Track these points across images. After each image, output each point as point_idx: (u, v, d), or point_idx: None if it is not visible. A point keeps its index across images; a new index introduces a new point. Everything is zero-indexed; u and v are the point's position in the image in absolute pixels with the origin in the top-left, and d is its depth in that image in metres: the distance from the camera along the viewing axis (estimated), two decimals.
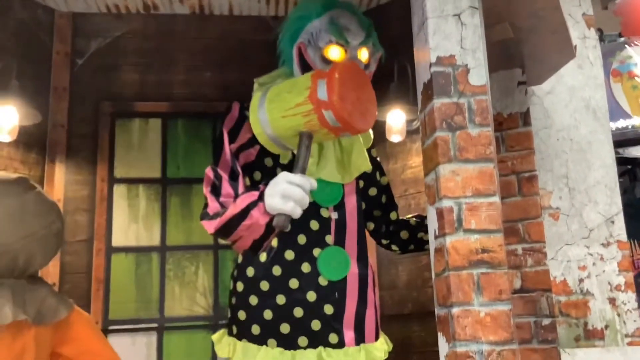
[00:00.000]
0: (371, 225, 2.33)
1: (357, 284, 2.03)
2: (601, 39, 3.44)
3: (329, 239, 2.02)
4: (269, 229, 1.77)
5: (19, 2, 2.95)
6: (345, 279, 2.01)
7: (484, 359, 1.58)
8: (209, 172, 1.97)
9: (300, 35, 2.08)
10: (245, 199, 1.80)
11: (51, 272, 2.82)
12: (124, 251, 3.00)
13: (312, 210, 2.00)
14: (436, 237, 1.73)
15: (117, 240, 3.00)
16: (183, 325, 2.97)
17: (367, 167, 2.12)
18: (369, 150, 2.24)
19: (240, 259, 2.08)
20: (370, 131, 2.23)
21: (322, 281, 1.98)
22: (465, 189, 1.68)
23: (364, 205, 2.25)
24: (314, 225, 2.02)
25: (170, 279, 3.01)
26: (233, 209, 1.81)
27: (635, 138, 3.39)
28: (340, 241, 2.04)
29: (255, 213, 1.75)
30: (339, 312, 1.98)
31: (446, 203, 1.68)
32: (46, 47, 3.07)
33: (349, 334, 1.98)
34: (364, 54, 2.05)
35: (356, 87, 1.74)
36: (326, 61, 2.02)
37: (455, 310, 1.62)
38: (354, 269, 2.04)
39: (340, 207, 2.07)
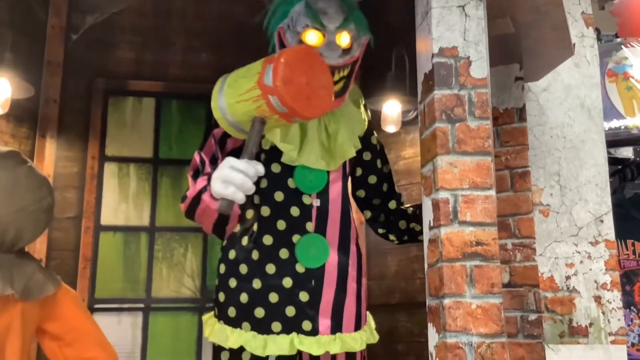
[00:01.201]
0: (368, 214, 2.30)
1: (336, 273, 2.01)
2: (598, 38, 3.45)
3: (310, 226, 2.00)
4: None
5: None
6: (323, 266, 1.99)
7: (473, 350, 1.59)
8: (195, 156, 2.01)
9: (283, 19, 2.06)
10: (199, 183, 1.84)
11: (38, 248, 2.80)
12: (112, 230, 2.98)
13: (294, 196, 2.00)
14: (431, 228, 1.73)
15: (106, 218, 2.98)
16: (169, 306, 2.96)
17: (352, 154, 2.09)
18: (368, 136, 2.22)
19: (224, 242, 2.09)
20: (364, 116, 2.19)
21: (299, 268, 1.97)
22: (462, 181, 1.68)
23: (363, 193, 2.24)
24: (295, 211, 2.00)
25: (159, 260, 3.00)
26: (191, 192, 1.85)
27: (628, 139, 3.41)
28: (321, 229, 2.02)
29: (205, 197, 1.78)
30: (315, 300, 1.96)
31: (442, 194, 1.68)
32: (41, 21, 3.03)
33: (324, 322, 1.96)
34: (343, 39, 2.01)
35: (307, 71, 1.71)
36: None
37: (447, 301, 1.62)
38: (333, 258, 2.01)
39: (323, 194, 2.05)
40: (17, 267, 1.99)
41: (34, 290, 2.00)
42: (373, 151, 2.24)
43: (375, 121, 2.90)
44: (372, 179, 2.24)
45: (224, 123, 1.80)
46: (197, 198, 1.83)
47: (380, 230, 2.31)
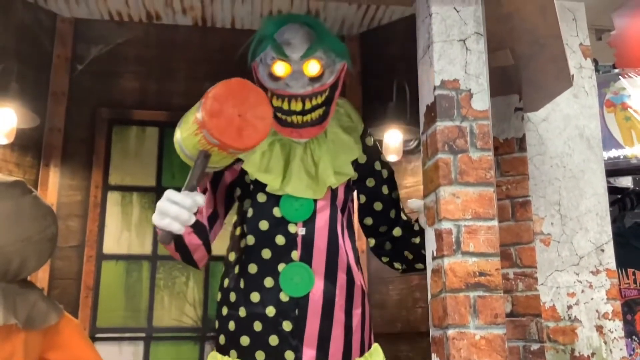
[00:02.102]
0: (372, 242, 2.26)
1: (322, 302, 1.99)
2: (596, 69, 3.49)
3: (295, 254, 2.00)
4: (178, 243, 1.88)
5: (21, 5, 2.95)
6: (307, 296, 1.97)
7: None
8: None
9: (260, 54, 2.10)
10: None
11: (41, 276, 2.80)
12: (114, 259, 2.98)
13: (280, 225, 2.01)
14: (434, 258, 1.74)
15: (109, 247, 2.99)
16: (171, 335, 2.95)
17: (332, 181, 2.05)
18: (371, 163, 2.18)
19: (223, 270, 2.13)
20: (355, 142, 2.14)
21: (283, 297, 1.96)
22: (464, 211, 1.70)
23: (371, 221, 2.21)
24: (280, 240, 2.01)
25: (160, 289, 2.99)
26: None
27: (627, 168, 3.43)
28: (306, 257, 2.01)
29: (157, 228, 1.80)
30: (299, 330, 1.95)
31: (445, 225, 1.69)
32: (47, 51, 3.07)
33: (308, 353, 1.94)
34: (311, 67, 2.01)
35: (239, 103, 1.73)
36: (274, 78, 2.03)
37: (450, 332, 1.63)
38: (319, 287, 1.99)
39: (309, 222, 2.04)
40: (20, 297, 1.99)
41: (37, 320, 1.99)
42: (377, 177, 2.20)
43: None
44: (378, 206, 2.20)
45: (183, 156, 1.84)
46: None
47: (384, 259, 2.27)
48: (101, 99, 3.13)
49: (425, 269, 2.18)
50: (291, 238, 2.01)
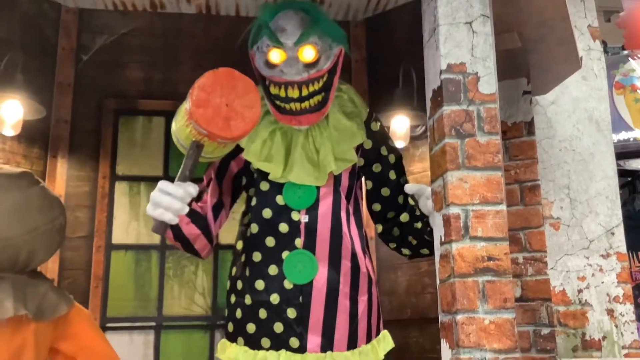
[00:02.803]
0: (380, 228, 2.25)
1: (325, 289, 1.99)
2: (605, 51, 3.46)
3: (298, 242, 2.01)
4: (176, 233, 1.93)
5: None
6: (311, 283, 1.98)
7: None
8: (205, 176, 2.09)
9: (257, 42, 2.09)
10: None
11: (50, 267, 2.81)
12: (123, 249, 2.99)
13: (283, 213, 2.02)
14: (442, 244, 1.73)
15: (117, 237, 3.00)
16: (181, 324, 2.96)
17: (332, 167, 2.05)
18: (377, 149, 2.17)
19: (232, 259, 2.15)
20: (361, 128, 2.12)
21: (287, 284, 1.97)
22: (472, 196, 1.69)
23: (379, 207, 2.20)
24: (283, 228, 2.01)
25: (170, 278, 3.00)
26: None
27: (637, 150, 3.41)
28: (309, 245, 2.01)
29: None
30: (303, 317, 1.96)
31: (453, 210, 1.68)
32: (51, 43, 3.07)
33: (313, 340, 1.95)
34: (306, 53, 2.00)
35: (226, 93, 1.73)
36: (270, 65, 2.01)
37: (459, 317, 1.62)
38: (322, 274, 1.99)
39: (312, 210, 2.03)
40: (30, 288, 2.00)
41: (47, 310, 2.00)
42: (384, 163, 2.18)
43: None
44: (385, 192, 2.18)
45: (180, 147, 1.85)
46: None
47: (392, 245, 2.26)
48: (107, 89, 3.13)
49: (430, 254, 2.19)
50: (294, 226, 2.02)
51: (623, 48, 3.67)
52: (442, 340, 1.72)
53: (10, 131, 2.71)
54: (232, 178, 2.15)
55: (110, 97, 3.12)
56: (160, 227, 1.78)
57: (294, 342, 1.94)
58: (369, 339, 2.05)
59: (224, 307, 2.17)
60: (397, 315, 2.99)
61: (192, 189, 1.77)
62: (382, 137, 2.21)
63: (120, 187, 3.05)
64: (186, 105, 1.71)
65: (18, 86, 2.67)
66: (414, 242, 2.15)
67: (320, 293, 1.99)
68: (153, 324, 2.94)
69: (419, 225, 2.11)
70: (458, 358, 1.60)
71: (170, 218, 1.75)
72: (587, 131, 2.90)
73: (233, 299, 2.05)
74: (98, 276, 2.90)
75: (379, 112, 2.90)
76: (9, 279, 1.97)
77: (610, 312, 2.69)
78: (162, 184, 1.77)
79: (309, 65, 2.00)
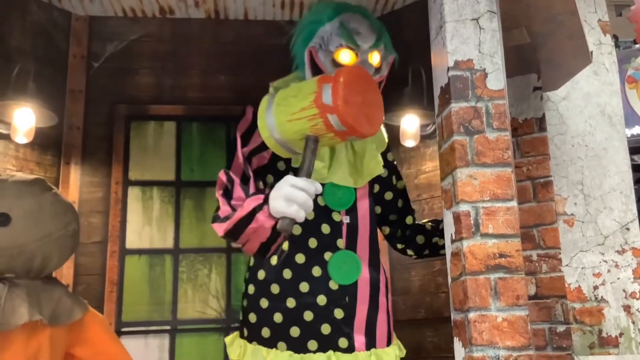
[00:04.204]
0: (386, 230, 2.32)
1: (369, 289, 2.02)
2: (616, 45, 3.42)
3: (340, 242, 2.01)
4: (275, 232, 1.78)
5: (36, 5, 2.98)
6: (356, 283, 2.00)
7: None
8: (221, 175, 1.98)
9: (312, 39, 2.08)
10: (251, 202, 1.80)
11: (65, 273, 2.83)
12: (137, 253, 3.00)
13: (324, 214, 2.01)
14: (453, 241, 1.72)
15: (131, 242, 3.01)
16: (195, 327, 2.97)
17: (380, 170, 2.11)
18: (384, 154, 2.24)
19: (252, 262, 2.09)
20: (385, 135, 2.22)
21: (333, 285, 1.97)
22: (482, 193, 1.68)
23: (379, 210, 2.25)
24: (325, 229, 2.02)
25: (183, 282, 3.01)
26: (240, 212, 1.82)
27: None
28: (351, 245, 2.03)
29: (260, 216, 1.75)
30: (350, 317, 1.97)
31: (463, 207, 1.67)
32: (62, 50, 3.09)
33: (359, 339, 1.97)
34: (375, 58, 2.04)
35: (362, 90, 1.74)
36: (337, 65, 2.01)
37: (472, 315, 1.61)
38: (365, 273, 2.03)
39: (352, 210, 2.07)
40: (44, 293, 2.02)
41: (62, 316, 2.02)
42: (390, 168, 2.26)
43: (394, 136, 2.90)
44: (388, 195, 2.26)
45: (271, 142, 1.80)
46: (249, 218, 1.79)
47: (399, 246, 2.32)
48: (118, 95, 3.14)
49: (431, 255, 2.24)
50: (336, 226, 2.03)
51: (635, 42, 3.64)
52: (454, 338, 1.71)
53: (23, 139, 2.73)
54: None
55: (122, 103, 3.13)
56: (290, 225, 1.69)
57: (343, 342, 1.94)
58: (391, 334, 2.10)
59: (239, 310, 2.15)
60: (412, 315, 2.98)
61: (319, 186, 1.71)
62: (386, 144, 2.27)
63: (133, 192, 3.07)
64: (320, 100, 1.67)
65: (30, 94, 2.69)
66: (421, 242, 2.21)
67: (364, 292, 2.01)
68: (168, 327, 2.95)
69: (427, 226, 2.16)
70: (471, 356, 1.60)
71: (303, 216, 1.68)
72: (600, 126, 2.88)
73: (265, 303, 1.99)
74: (113, 281, 2.92)
75: (389, 111, 2.90)
76: (24, 285, 1.99)
77: (627, 309, 2.66)
78: (294, 180, 1.69)
79: (376, 70, 2.04)
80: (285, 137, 1.75)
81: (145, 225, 3.04)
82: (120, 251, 2.98)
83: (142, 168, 3.10)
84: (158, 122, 3.16)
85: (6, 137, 2.75)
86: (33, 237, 2.00)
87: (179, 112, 3.17)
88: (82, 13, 3.15)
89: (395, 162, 2.33)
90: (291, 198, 1.67)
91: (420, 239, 2.26)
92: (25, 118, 2.71)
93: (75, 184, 2.98)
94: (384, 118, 1.82)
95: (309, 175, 1.70)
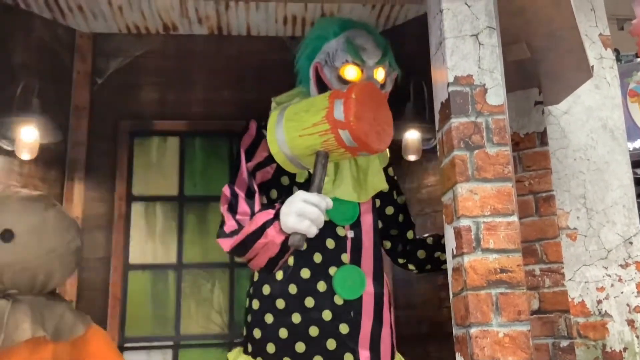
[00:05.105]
0: (388, 244, 2.32)
1: (373, 303, 2.02)
2: (618, 59, 3.43)
3: (345, 257, 2.02)
4: (284, 247, 1.79)
5: (40, 23, 3.00)
6: (360, 298, 2.00)
7: None
8: (225, 190, 1.99)
9: (317, 55, 2.10)
10: (261, 217, 1.81)
11: (69, 289, 2.84)
12: (140, 268, 3.01)
13: (328, 228, 2.02)
14: (454, 257, 1.73)
15: (135, 257, 3.02)
16: (198, 343, 2.97)
17: (384, 186, 2.13)
18: (385, 169, 2.25)
19: (256, 277, 2.09)
20: (387, 150, 2.24)
21: (338, 300, 1.97)
22: (483, 208, 1.68)
23: (380, 224, 2.26)
24: (330, 243, 2.02)
25: (187, 297, 3.01)
26: (249, 227, 1.82)
27: None
28: (356, 260, 2.04)
29: (270, 231, 1.76)
30: (355, 332, 1.97)
31: (464, 222, 1.68)
32: (67, 67, 3.12)
33: (364, 354, 1.97)
34: (380, 74, 2.06)
35: (373, 107, 1.75)
36: (342, 81, 2.03)
37: (473, 331, 1.61)
38: (369, 288, 2.03)
39: (356, 225, 2.07)
40: (47, 309, 2.02)
41: (65, 331, 2.02)
42: (390, 183, 2.27)
43: (396, 150, 2.91)
44: (389, 210, 2.27)
45: (280, 157, 1.82)
46: (258, 233, 1.80)
47: (400, 260, 2.33)
48: (122, 111, 3.16)
49: (432, 270, 2.24)
50: (341, 241, 2.04)
51: (636, 56, 3.64)
52: (456, 354, 1.71)
53: (28, 155, 2.75)
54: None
55: (126, 118, 3.15)
56: (302, 240, 1.70)
57: (349, 357, 1.95)
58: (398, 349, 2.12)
59: (242, 325, 2.15)
60: (415, 330, 2.97)
61: (330, 201, 1.73)
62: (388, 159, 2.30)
63: (137, 208, 3.08)
64: (331, 115, 1.68)
65: (34, 110, 2.72)
66: (422, 256, 2.21)
67: (369, 307, 2.02)
68: (171, 343, 2.95)
69: (428, 240, 2.17)
70: None
71: (315, 232, 1.70)
72: (602, 140, 2.88)
73: (270, 318, 2.00)
74: (116, 296, 2.92)
75: None
76: (27, 301, 1.99)
77: (631, 323, 2.65)
78: (306, 195, 1.70)
79: (381, 86, 2.07)
80: (295, 153, 1.76)
81: (148, 240, 3.05)
82: (124, 266, 2.98)
83: (146, 183, 3.11)
84: (161, 137, 3.18)
85: (10, 154, 2.77)
86: (37, 253, 2.01)
87: (182, 128, 3.19)
88: (87, 30, 3.18)
89: (395, 177, 2.34)
90: (303, 214, 1.68)
91: (421, 254, 2.27)
92: (30, 134, 2.73)
93: (79, 199, 2.99)
94: (392, 134, 1.83)
95: (320, 191, 1.72)
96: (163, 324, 2.96)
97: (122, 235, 3.01)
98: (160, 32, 3.23)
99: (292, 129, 1.76)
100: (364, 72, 2.03)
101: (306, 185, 2.02)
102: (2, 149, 2.76)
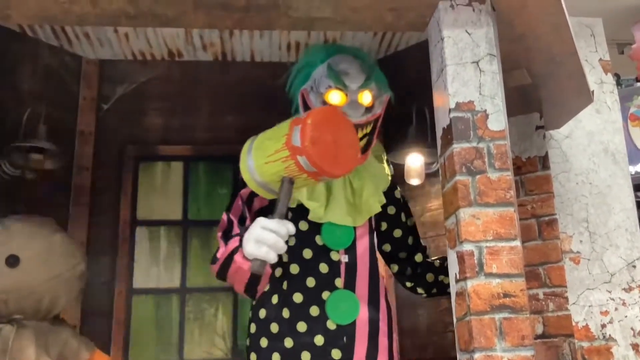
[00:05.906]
0: (395, 268, 2.30)
1: (367, 329, 2.00)
2: (618, 83, 3.46)
3: (339, 282, 2.02)
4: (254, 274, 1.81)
5: (47, 50, 3.05)
6: (354, 323, 1.99)
7: None
8: (223, 217, 2.03)
9: (306, 81, 2.13)
10: (230, 245, 1.85)
11: (73, 314, 2.83)
12: (144, 293, 3.01)
13: (322, 253, 2.03)
14: (457, 281, 1.73)
15: (139, 282, 3.02)
16: None
17: (378, 209, 2.12)
18: (392, 191, 2.25)
19: (255, 301, 2.11)
20: (388, 172, 2.24)
21: (331, 325, 1.97)
22: (486, 232, 1.69)
23: (388, 247, 2.25)
24: (324, 268, 2.02)
25: (190, 321, 3.01)
26: (223, 254, 1.86)
27: None
28: (350, 284, 2.03)
29: (237, 258, 1.79)
30: (347, 357, 1.95)
31: (467, 247, 1.69)
32: (73, 93, 3.15)
33: None
34: (365, 97, 2.06)
35: (333, 131, 1.75)
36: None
37: (477, 356, 1.61)
38: (363, 314, 2.01)
39: (351, 249, 2.07)
40: (52, 334, 2.03)
41: (69, 357, 2.03)
42: (397, 205, 2.27)
43: (399, 174, 2.93)
44: (397, 233, 2.26)
45: (252, 184, 1.83)
46: (229, 259, 1.84)
47: (408, 284, 2.31)
48: (127, 136, 3.19)
49: (439, 294, 2.23)
50: (335, 266, 2.03)
51: (637, 80, 3.67)
52: None
53: (34, 180, 2.77)
54: (253, 215, 2.16)
55: (131, 143, 3.17)
56: (262, 266, 1.71)
57: None
58: None
59: (244, 350, 2.15)
60: (420, 355, 2.96)
61: (292, 227, 1.74)
62: (394, 180, 2.30)
63: (141, 232, 3.09)
64: (289, 142, 1.69)
65: (41, 136, 2.75)
66: (431, 280, 2.20)
67: (363, 332, 1.99)
68: None
69: (436, 263, 2.16)
70: None
71: (274, 257, 1.70)
72: (603, 164, 2.90)
73: (265, 342, 2.00)
74: (120, 321, 2.92)
75: (393, 150, 2.93)
76: (32, 326, 2.00)
77: (636, 347, 2.64)
78: (264, 222, 1.72)
79: (367, 109, 2.06)
80: (264, 179, 1.78)
81: (152, 264, 3.06)
82: (128, 291, 2.98)
83: (150, 208, 3.12)
84: (166, 162, 3.20)
85: (17, 179, 2.79)
86: (42, 278, 2.02)
87: (186, 153, 3.21)
88: (93, 57, 3.22)
89: (404, 199, 2.33)
90: (260, 240, 1.70)
91: (430, 277, 2.25)
92: (36, 160, 2.76)
93: (84, 224, 3.00)
94: (358, 157, 1.82)
95: (281, 217, 1.73)
96: (167, 348, 2.95)
97: (126, 259, 3.01)
98: (165, 59, 3.27)
99: (259, 157, 1.78)
100: (348, 96, 2.04)
101: (299, 210, 2.04)
102: (8, 174, 2.78)
